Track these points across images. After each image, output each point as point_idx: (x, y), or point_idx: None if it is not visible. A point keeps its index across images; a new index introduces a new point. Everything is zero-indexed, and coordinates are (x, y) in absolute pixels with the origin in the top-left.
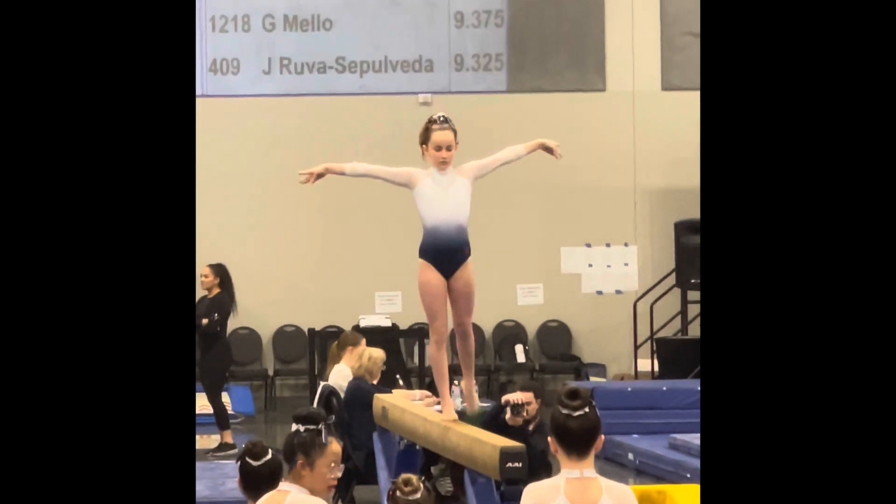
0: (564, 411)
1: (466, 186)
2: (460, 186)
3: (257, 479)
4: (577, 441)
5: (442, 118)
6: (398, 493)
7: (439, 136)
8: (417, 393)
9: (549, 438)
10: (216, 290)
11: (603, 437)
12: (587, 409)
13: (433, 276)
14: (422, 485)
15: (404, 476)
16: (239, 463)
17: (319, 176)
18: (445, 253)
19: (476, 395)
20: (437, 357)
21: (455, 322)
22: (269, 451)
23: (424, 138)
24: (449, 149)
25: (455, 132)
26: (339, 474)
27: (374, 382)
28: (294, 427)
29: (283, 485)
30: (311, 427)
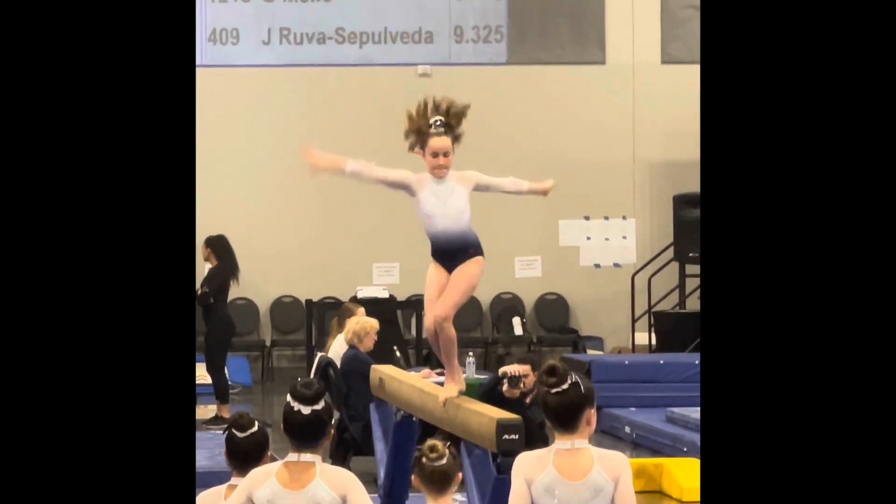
0: (544, 388)
1: (465, 196)
2: (460, 196)
3: (243, 452)
4: (558, 416)
5: (438, 122)
6: (424, 459)
7: (437, 142)
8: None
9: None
10: (214, 262)
11: (594, 410)
12: (565, 386)
13: (437, 275)
14: (447, 451)
15: (430, 442)
16: (225, 435)
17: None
18: (449, 255)
19: (461, 380)
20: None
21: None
22: (256, 423)
23: (420, 142)
24: (446, 155)
25: (453, 138)
26: None
27: (366, 351)
28: (309, 408)
29: (305, 456)
30: (322, 396)
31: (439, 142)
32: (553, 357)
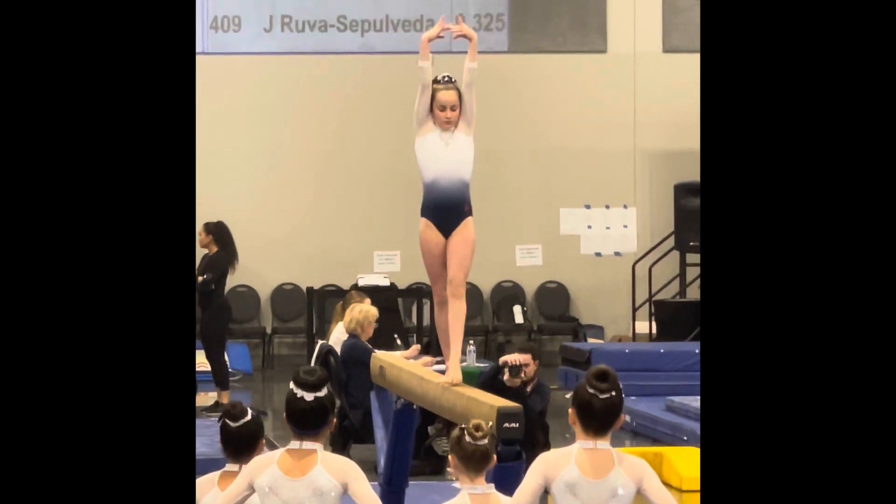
0: (591, 390)
1: (469, 142)
2: (463, 142)
3: (236, 441)
4: (598, 421)
5: (446, 78)
6: (468, 437)
7: (443, 95)
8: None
9: (569, 410)
10: (214, 249)
11: (623, 416)
12: (614, 393)
13: (432, 235)
14: (490, 430)
15: (474, 421)
16: (220, 423)
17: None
18: (444, 209)
19: (459, 366)
20: (441, 319)
21: (447, 278)
22: (249, 412)
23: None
24: (453, 108)
25: (460, 92)
26: None
27: (366, 338)
28: (312, 395)
29: (306, 443)
30: (325, 383)
31: (446, 94)
32: (553, 346)
